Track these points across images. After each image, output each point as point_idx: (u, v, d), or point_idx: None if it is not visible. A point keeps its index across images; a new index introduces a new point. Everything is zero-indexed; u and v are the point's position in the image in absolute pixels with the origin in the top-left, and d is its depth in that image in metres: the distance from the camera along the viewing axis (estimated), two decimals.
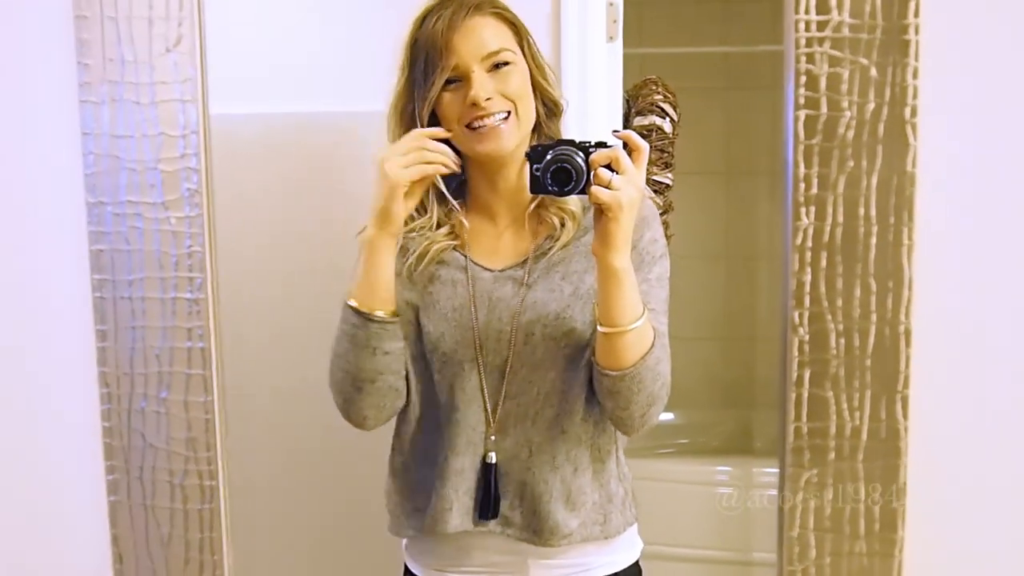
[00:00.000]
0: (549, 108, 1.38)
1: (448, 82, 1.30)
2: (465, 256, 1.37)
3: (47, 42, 1.24)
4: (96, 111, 1.22)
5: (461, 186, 1.41)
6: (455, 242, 1.37)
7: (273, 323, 1.64)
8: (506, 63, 1.32)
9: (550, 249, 1.35)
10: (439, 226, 1.37)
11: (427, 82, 1.29)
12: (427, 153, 1.23)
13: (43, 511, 1.34)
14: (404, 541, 1.45)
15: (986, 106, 1.27)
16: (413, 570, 1.43)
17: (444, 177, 1.36)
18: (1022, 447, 1.33)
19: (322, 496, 1.64)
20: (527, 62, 1.35)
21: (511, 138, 1.31)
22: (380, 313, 1.29)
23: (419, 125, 1.30)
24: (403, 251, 1.37)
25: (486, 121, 1.29)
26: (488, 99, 1.28)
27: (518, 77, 1.33)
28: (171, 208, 1.23)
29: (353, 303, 1.27)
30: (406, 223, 1.34)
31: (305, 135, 1.67)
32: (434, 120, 1.32)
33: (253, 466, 1.48)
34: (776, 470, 2.92)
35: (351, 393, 1.32)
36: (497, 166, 1.36)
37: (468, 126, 1.30)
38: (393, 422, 1.41)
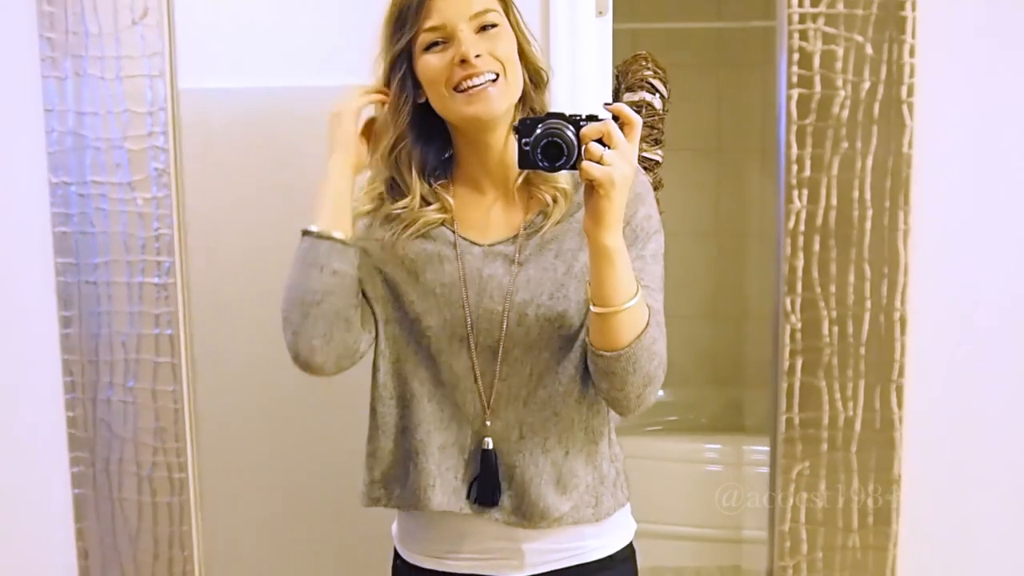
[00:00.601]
0: (533, 78, 1.34)
1: (433, 44, 1.26)
2: (453, 232, 1.33)
3: (7, 14, 1.18)
4: (59, 87, 1.16)
5: (447, 162, 1.36)
6: (443, 215, 1.32)
7: (247, 309, 1.60)
8: (493, 24, 1.27)
9: (542, 226, 1.31)
10: (425, 204, 1.33)
11: (409, 43, 1.25)
12: (364, 88, 1.26)
13: (5, 505, 1.29)
14: (393, 527, 1.42)
15: (985, 85, 1.23)
16: (405, 557, 1.39)
17: (427, 154, 1.32)
18: (1020, 438, 1.29)
19: (298, 488, 1.60)
20: (512, 25, 1.31)
21: (500, 101, 1.27)
22: (336, 233, 1.25)
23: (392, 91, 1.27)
24: (388, 221, 1.33)
25: (475, 80, 1.24)
26: (478, 56, 1.24)
27: (506, 39, 1.28)
28: (138, 188, 1.18)
29: (307, 227, 1.25)
30: (391, 201, 1.31)
31: (280, 111, 1.62)
32: (416, 90, 1.28)
33: (225, 457, 1.44)
34: (766, 448, 2.93)
35: (298, 321, 1.26)
36: (484, 134, 1.31)
37: (456, 88, 1.25)
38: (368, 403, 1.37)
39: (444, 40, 1.26)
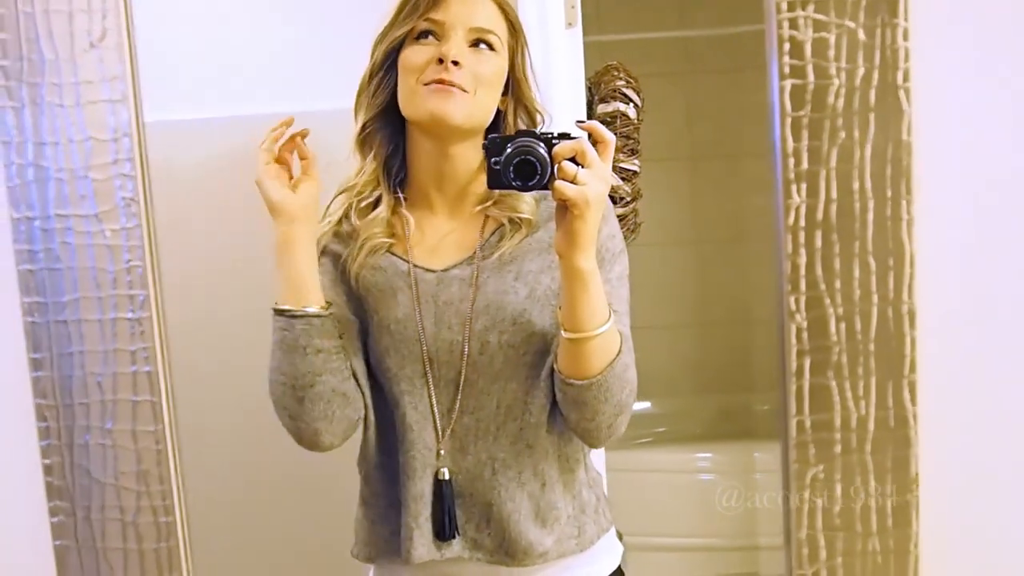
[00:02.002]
0: (523, 121, 1.31)
1: (424, 35, 1.22)
2: (406, 261, 1.27)
3: None
4: (16, 117, 1.10)
5: (401, 179, 1.32)
6: (389, 241, 1.27)
7: (226, 342, 1.54)
8: (490, 46, 1.24)
9: (500, 246, 1.26)
10: (373, 205, 1.28)
11: (404, 23, 1.21)
12: (269, 135, 1.18)
13: None
14: (371, 569, 1.36)
15: (982, 65, 1.19)
16: None
17: (386, 155, 1.28)
18: None
19: (288, 527, 1.55)
20: (515, 68, 1.27)
21: (461, 109, 1.21)
22: (309, 308, 1.19)
23: (374, 64, 1.23)
24: (346, 238, 1.29)
25: (444, 81, 1.20)
26: (456, 63, 1.19)
27: (494, 66, 1.24)
28: (105, 220, 1.12)
29: (277, 305, 1.18)
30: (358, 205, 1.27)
31: (253, 139, 1.58)
32: (390, 78, 1.24)
33: (213, 498, 1.37)
34: (759, 453, 2.90)
35: (294, 407, 1.21)
36: (440, 142, 1.26)
37: (425, 83, 1.21)
38: (357, 444, 1.32)
39: (436, 36, 1.23)
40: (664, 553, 2.94)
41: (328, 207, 1.33)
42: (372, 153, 1.29)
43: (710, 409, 3.46)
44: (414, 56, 1.22)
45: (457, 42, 1.22)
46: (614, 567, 1.38)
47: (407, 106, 1.25)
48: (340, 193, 1.32)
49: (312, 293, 1.21)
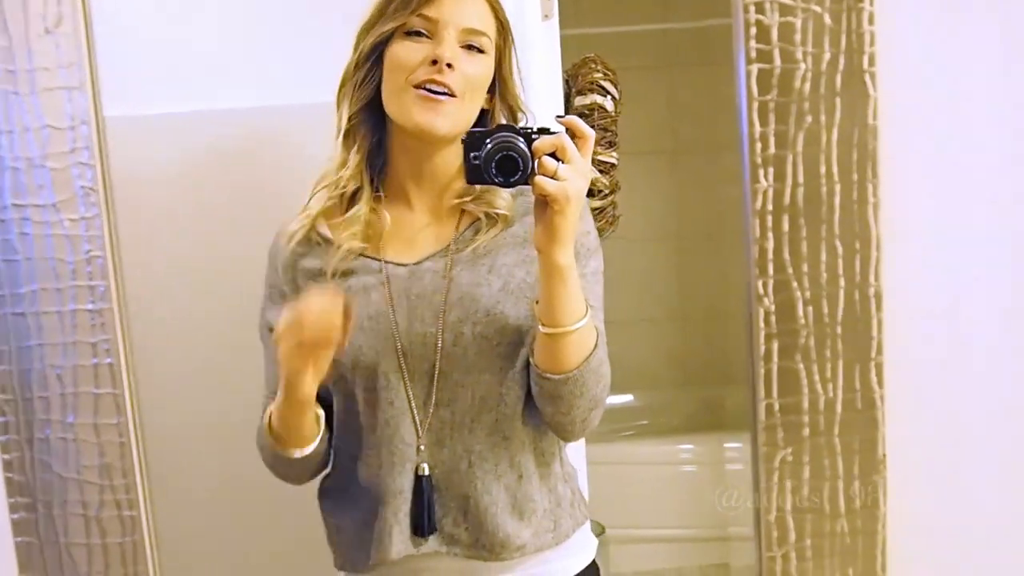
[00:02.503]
0: (506, 115, 1.31)
1: (416, 32, 1.21)
2: (379, 259, 1.26)
3: None
4: None
5: (380, 170, 1.31)
6: (363, 246, 1.27)
7: (193, 336, 1.53)
8: (480, 49, 1.23)
9: (475, 239, 1.25)
10: (352, 197, 1.28)
11: (395, 16, 1.20)
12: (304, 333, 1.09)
13: None
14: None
15: (947, 48, 1.20)
16: None
17: (369, 148, 1.27)
18: (1004, 409, 1.27)
19: (257, 521, 1.53)
20: (502, 67, 1.27)
21: (449, 121, 1.21)
22: (300, 452, 1.24)
23: (360, 56, 1.22)
24: (317, 244, 1.28)
25: (436, 88, 1.19)
26: (450, 66, 1.19)
27: (484, 69, 1.24)
28: (64, 209, 1.10)
29: (272, 443, 1.23)
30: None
31: (218, 133, 1.57)
32: (376, 73, 1.22)
33: (180, 493, 1.36)
34: (740, 444, 2.92)
35: (284, 477, 1.30)
36: (424, 148, 1.26)
37: (416, 85, 1.20)
38: None
39: (428, 34, 1.21)
40: (646, 544, 2.96)
41: (309, 202, 1.32)
42: (356, 146, 1.28)
43: (690, 402, 3.48)
44: (404, 54, 1.21)
45: (450, 43, 1.21)
46: (588, 561, 1.38)
47: (393, 107, 1.24)
48: (321, 188, 1.31)
49: (310, 435, 1.24)
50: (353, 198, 1.29)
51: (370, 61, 1.25)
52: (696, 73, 3.37)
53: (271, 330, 1.28)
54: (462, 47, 1.23)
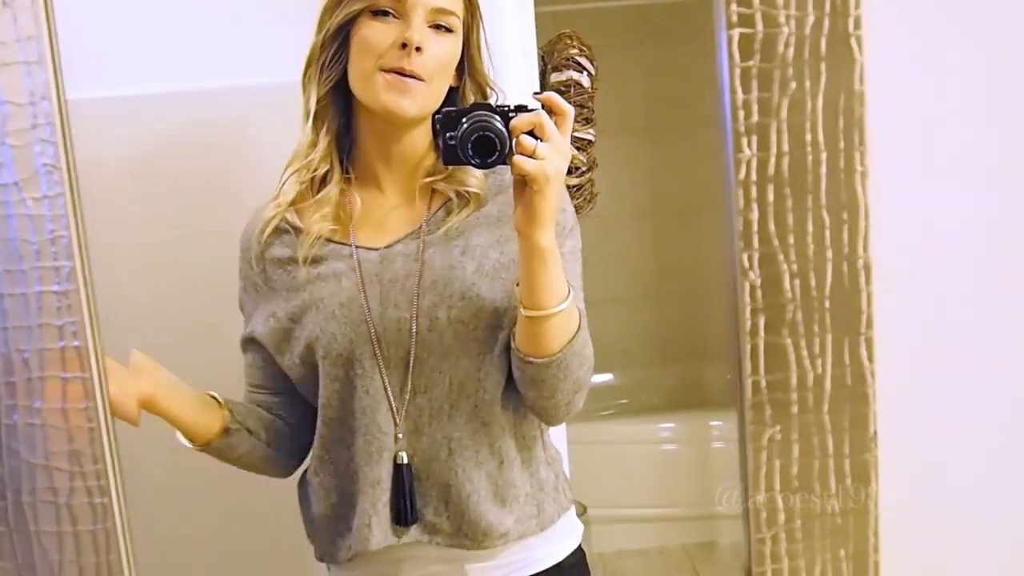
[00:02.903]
0: (475, 94, 1.29)
1: (382, 13, 1.18)
2: (348, 244, 1.25)
3: None
4: None
5: (349, 151, 1.29)
6: (332, 227, 1.25)
7: (157, 316, 1.51)
8: (448, 29, 1.21)
9: (446, 220, 1.24)
10: (323, 180, 1.27)
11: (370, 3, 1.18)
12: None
13: None
14: (328, 565, 1.34)
15: (933, 10, 1.17)
16: None
17: (337, 130, 1.26)
18: (998, 385, 1.25)
19: (233, 507, 1.52)
20: (470, 44, 1.26)
21: (417, 103, 1.20)
22: (196, 446, 1.31)
23: (324, 36, 1.20)
24: (287, 233, 1.27)
25: (404, 71, 1.17)
26: (419, 49, 1.17)
27: (452, 49, 1.23)
28: (26, 188, 1.06)
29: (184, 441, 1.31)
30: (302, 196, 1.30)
31: (183, 115, 1.55)
32: (343, 49, 1.20)
33: (152, 477, 1.33)
34: (719, 422, 2.94)
35: (246, 468, 1.38)
36: (393, 131, 1.24)
37: (383, 69, 1.17)
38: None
39: (395, 14, 1.19)
40: (627, 524, 2.98)
41: (282, 185, 1.30)
42: (324, 128, 1.26)
43: (670, 380, 3.50)
44: (372, 36, 1.19)
45: (419, 24, 1.19)
46: (574, 547, 1.37)
47: (361, 89, 1.22)
48: (292, 172, 1.29)
49: (201, 427, 1.30)
50: (323, 181, 1.27)
51: (337, 42, 1.23)
52: (671, 50, 3.39)
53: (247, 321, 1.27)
54: (430, 27, 1.21)
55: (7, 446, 1.10)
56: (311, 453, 1.33)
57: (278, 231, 1.30)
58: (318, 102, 1.26)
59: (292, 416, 1.37)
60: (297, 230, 1.28)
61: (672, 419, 3.15)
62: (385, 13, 1.19)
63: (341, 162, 1.29)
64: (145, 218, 1.58)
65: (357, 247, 1.26)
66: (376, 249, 1.26)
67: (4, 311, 1.07)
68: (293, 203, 1.29)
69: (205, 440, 1.28)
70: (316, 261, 1.26)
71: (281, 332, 1.27)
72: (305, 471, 1.36)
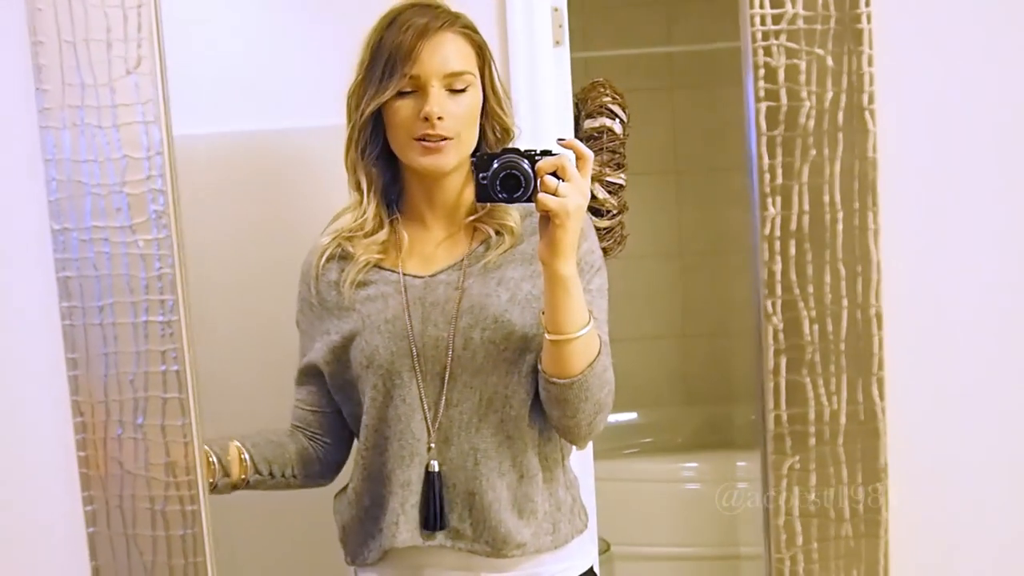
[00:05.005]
0: (499, 135, 1.40)
1: (405, 92, 1.31)
2: (396, 271, 1.37)
3: (3, 69, 1.22)
4: (57, 136, 1.19)
5: (398, 195, 1.42)
6: (380, 256, 1.38)
7: (243, 340, 1.63)
8: (464, 88, 1.33)
9: (486, 255, 1.36)
10: (373, 231, 1.39)
11: (381, 84, 1.30)
12: None
13: (19, 547, 1.31)
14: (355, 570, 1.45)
15: (940, 88, 1.30)
16: None
17: (384, 186, 1.37)
18: (994, 418, 1.35)
19: (304, 512, 1.63)
20: (484, 87, 1.37)
21: (452, 158, 1.33)
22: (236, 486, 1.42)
23: (359, 120, 1.32)
24: (342, 259, 1.38)
25: (432, 137, 1.30)
26: (440, 118, 1.29)
27: (472, 103, 1.35)
28: (138, 231, 1.21)
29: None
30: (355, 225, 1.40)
31: (271, 152, 1.67)
32: (379, 120, 1.33)
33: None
34: (744, 463, 2.94)
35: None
36: (435, 180, 1.37)
37: (415, 138, 1.30)
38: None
39: (415, 90, 1.31)
40: (650, 562, 2.98)
41: (338, 218, 1.43)
42: (372, 190, 1.39)
43: (695, 419, 3.49)
44: (400, 113, 1.33)
45: (436, 95, 1.32)
46: (587, 567, 1.46)
47: (401, 155, 1.36)
48: (342, 231, 1.42)
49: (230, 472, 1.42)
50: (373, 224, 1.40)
51: (371, 124, 1.36)
52: (700, 95, 3.40)
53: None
54: (448, 90, 1.33)
55: (111, 457, 1.24)
56: (353, 463, 1.44)
57: (333, 257, 1.42)
58: (366, 175, 1.39)
59: (328, 435, 1.48)
60: (350, 256, 1.41)
61: (696, 458, 3.13)
62: (406, 92, 1.33)
63: (388, 206, 1.42)
64: (223, 247, 1.70)
65: (404, 275, 1.39)
66: (421, 277, 1.38)
67: (115, 338, 1.21)
68: (349, 232, 1.41)
69: (233, 479, 1.43)
70: (366, 285, 1.39)
71: (334, 346, 1.39)
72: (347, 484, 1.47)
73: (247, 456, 1.40)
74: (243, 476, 1.39)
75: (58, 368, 1.23)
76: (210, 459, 1.38)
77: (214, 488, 1.38)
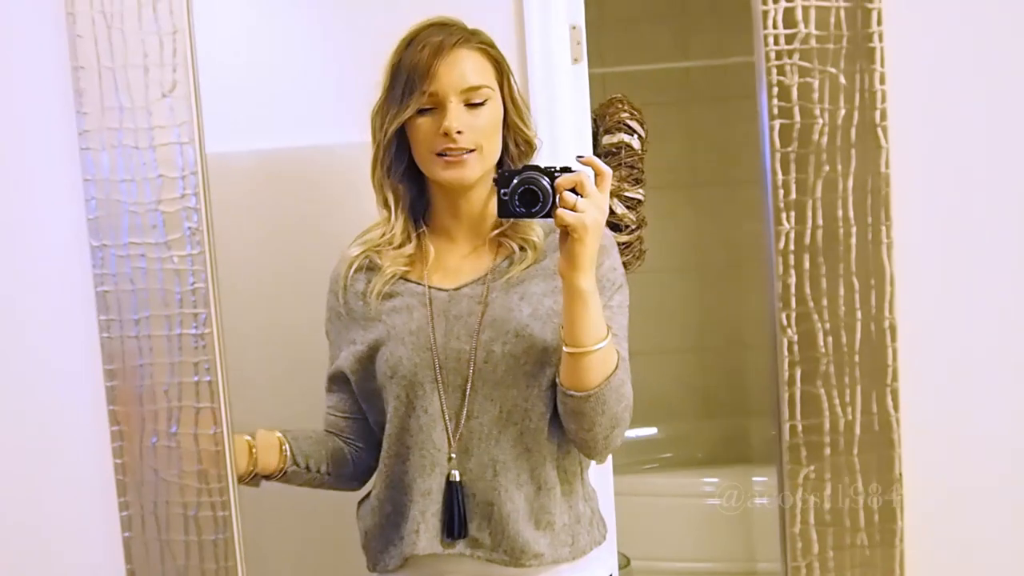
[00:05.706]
0: (521, 148, 1.43)
1: (424, 108, 1.34)
2: (422, 284, 1.40)
3: (45, 93, 1.27)
4: (96, 157, 1.24)
5: (424, 209, 1.45)
6: (407, 268, 1.41)
7: (272, 351, 1.67)
8: (482, 101, 1.36)
9: (509, 271, 1.39)
10: (401, 245, 1.42)
11: (402, 103, 1.34)
12: None
13: (58, 551, 1.35)
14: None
15: (951, 105, 1.32)
16: None
17: (411, 201, 1.41)
18: (1007, 427, 1.37)
19: (330, 518, 1.66)
20: (504, 100, 1.40)
21: (475, 170, 1.36)
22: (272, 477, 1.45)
23: (383, 140, 1.36)
24: (369, 270, 1.42)
25: (454, 151, 1.33)
26: (460, 132, 1.33)
27: (492, 115, 1.38)
28: (173, 247, 1.25)
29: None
30: (372, 241, 1.44)
31: (298, 168, 1.71)
32: (403, 138, 1.36)
33: (263, 493, 1.50)
34: (763, 478, 2.94)
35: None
36: (459, 193, 1.40)
37: (437, 153, 1.34)
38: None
39: (434, 107, 1.35)
40: None
41: (367, 233, 1.47)
42: (399, 206, 1.43)
43: (713, 433, 3.48)
44: (421, 130, 1.37)
45: (454, 110, 1.35)
46: None
47: (425, 169, 1.40)
48: (370, 242, 1.45)
49: (258, 468, 1.44)
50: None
51: (396, 142, 1.39)
52: (715, 109, 3.41)
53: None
54: (467, 105, 1.36)
55: (146, 464, 1.28)
56: (376, 471, 1.48)
57: (361, 268, 1.45)
58: (393, 192, 1.43)
59: (361, 440, 1.50)
60: (377, 268, 1.44)
61: (715, 473, 3.12)
62: (425, 108, 1.36)
63: (415, 221, 1.46)
64: (254, 259, 1.74)
65: (430, 287, 1.42)
66: (446, 290, 1.41)
67: (151, 349, 1.26)
68: (377, 244, 1.45)
69: (264, 474, 1.45)
70: (392, 296, 1.42)
71: (359, 355, 1.42)
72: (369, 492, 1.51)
73: (287, 448, 1.44)
74: (281, 466, 1.43)
75: (96, 379, 1.28)
76: (252, 449, 1.42)
77: (252, 476, 1.42)
